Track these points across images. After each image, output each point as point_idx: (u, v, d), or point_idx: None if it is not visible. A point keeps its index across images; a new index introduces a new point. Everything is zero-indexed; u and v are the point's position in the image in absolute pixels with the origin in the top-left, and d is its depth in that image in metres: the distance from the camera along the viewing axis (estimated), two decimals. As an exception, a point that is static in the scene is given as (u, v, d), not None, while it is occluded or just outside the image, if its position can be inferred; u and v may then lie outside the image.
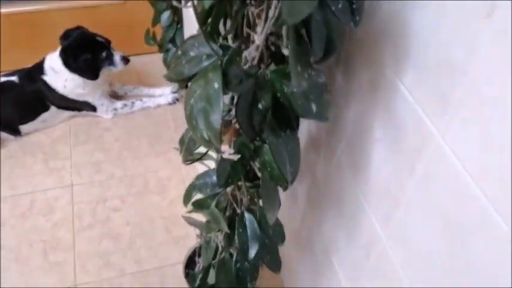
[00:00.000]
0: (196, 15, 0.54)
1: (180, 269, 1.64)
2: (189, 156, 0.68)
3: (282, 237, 0.90)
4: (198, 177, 0.90)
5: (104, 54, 1.99)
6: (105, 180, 1.89)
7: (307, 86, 0.50)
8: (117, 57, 2.03)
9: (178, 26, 1.66)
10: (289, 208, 1.30)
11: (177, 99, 2.22)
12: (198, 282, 1.29)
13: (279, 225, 0.89)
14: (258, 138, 0.75)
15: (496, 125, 0.48)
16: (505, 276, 0.51)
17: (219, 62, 0.52)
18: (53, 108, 2.04)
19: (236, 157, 0.70)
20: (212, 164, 0.91)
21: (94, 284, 1.58)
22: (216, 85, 0.50)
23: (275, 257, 0.99)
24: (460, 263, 0.59)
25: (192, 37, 0.62)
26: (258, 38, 0.55)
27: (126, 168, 1.93)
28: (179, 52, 0.62)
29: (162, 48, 1.89)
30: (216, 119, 0.50)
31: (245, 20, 0.60)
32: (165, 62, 1.87)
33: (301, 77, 0.49)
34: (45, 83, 1.97)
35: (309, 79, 0.51)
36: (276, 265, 0.99)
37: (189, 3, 0.71)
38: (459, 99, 0.52)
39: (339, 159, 0.91)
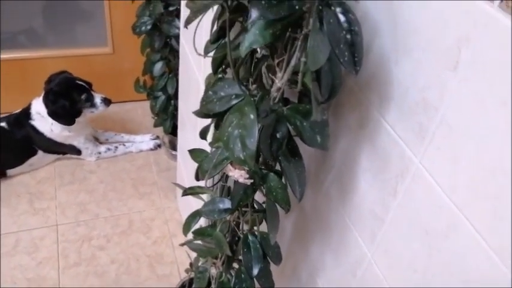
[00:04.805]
0: (231, 63, 0.69)
1: (164, 305, 1.70)
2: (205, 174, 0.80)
3: (279, 258, 1.02)
4: (205, 204, 1.01)
5: (83, 97, 2.03)
6: (90, 220, 1.95)
7: (321, 117, 0.66)
8: (97, 100, 2.08)
9: (170, 75, 1.81)
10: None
11: (159, 145, 2.33)
12: (189, 312, 1.38)
13: (277, 246, 1.01)
14: (264, 168, 0.89)
15: (462, 147, 0.64)
16: (475, 271, 0.65)
17: (252, 99, 0.67)
18: (40, 153, 2.10)
19: (249, 181, 0.84)
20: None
21: (80, 321, 1.62)
22: (252, 116, 0.65)
23: (269, 279, 1.10)
24: (438, 265, 0.73)
25: (220, 80, 0.76)
26: (280, 82, 0.70)
27: (111, 209, 2.01)
28: (210, 92, 0.76)
29: (149, 95, 2.03)
30: (252, 142, 0.64)
31: (265, 69, 0.76)
32: (153, 108, 2.00)
33: (317, 109, 0.64)
34: (33, 128, 2.04)
35: (321, 113, 0.67)
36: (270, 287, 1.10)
37: (211, 53, 0.86)
38: (433, 130, 0.69)
39: (327, 190, 1.06)
